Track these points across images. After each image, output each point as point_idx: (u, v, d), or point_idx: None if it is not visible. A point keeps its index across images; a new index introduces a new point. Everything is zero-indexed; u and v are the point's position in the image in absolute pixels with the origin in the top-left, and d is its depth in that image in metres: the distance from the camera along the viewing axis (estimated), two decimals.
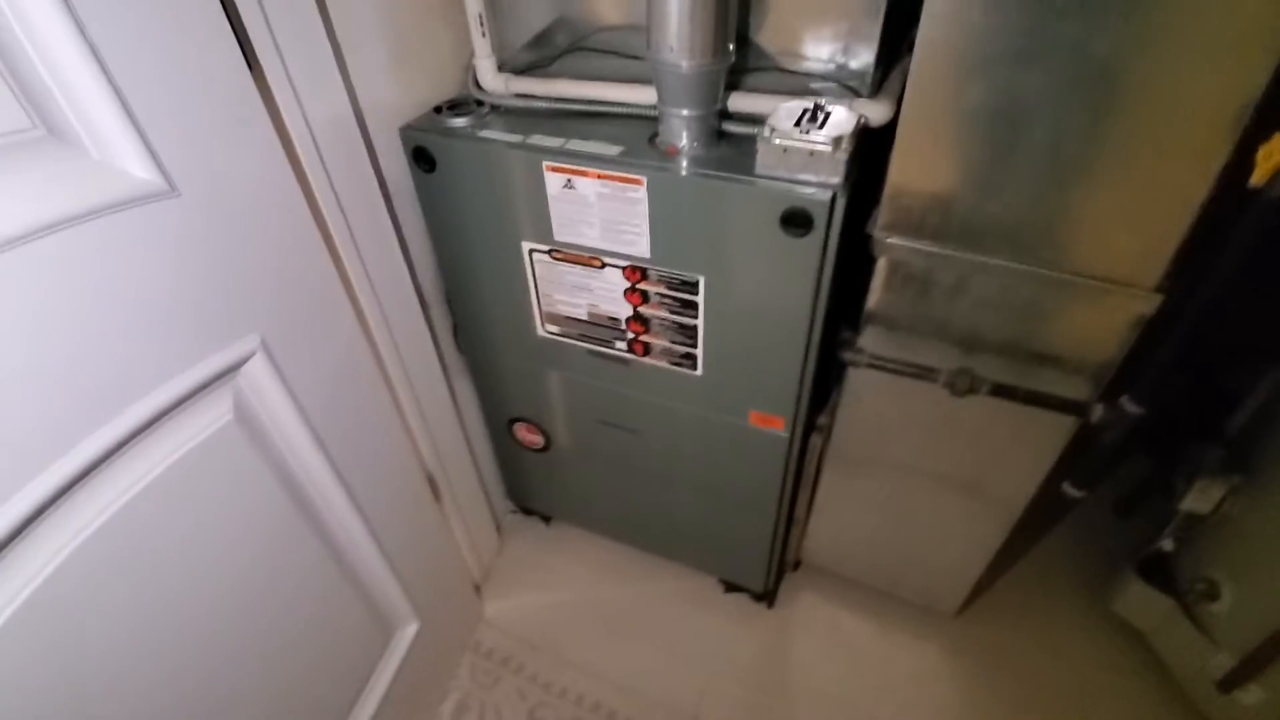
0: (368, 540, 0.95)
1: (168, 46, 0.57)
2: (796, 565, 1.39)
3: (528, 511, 1.53)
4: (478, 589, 1.38)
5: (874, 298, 0.92)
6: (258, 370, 0.71)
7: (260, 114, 0.66)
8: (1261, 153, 0.60)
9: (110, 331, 0.57)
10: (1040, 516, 1.13)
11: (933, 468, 1.06)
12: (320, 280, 0.77)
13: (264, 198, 0.67)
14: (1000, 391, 0.87)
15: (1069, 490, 0.96)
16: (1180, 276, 0.73)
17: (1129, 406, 0.82)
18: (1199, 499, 1.05)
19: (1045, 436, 0.93)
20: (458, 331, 1.18)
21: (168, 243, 0.59)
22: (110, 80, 0.53)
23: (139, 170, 0.56)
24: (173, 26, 0.57)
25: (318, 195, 0.77)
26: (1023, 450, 0.96)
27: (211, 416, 0.68)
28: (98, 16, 0.51)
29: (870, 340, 0.95)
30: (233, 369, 0.69)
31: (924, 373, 0.91)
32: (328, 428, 0.82)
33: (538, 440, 1.28)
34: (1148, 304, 0.76)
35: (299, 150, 0.73)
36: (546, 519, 1.53)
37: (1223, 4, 0.57)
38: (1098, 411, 0.83)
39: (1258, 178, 0.61)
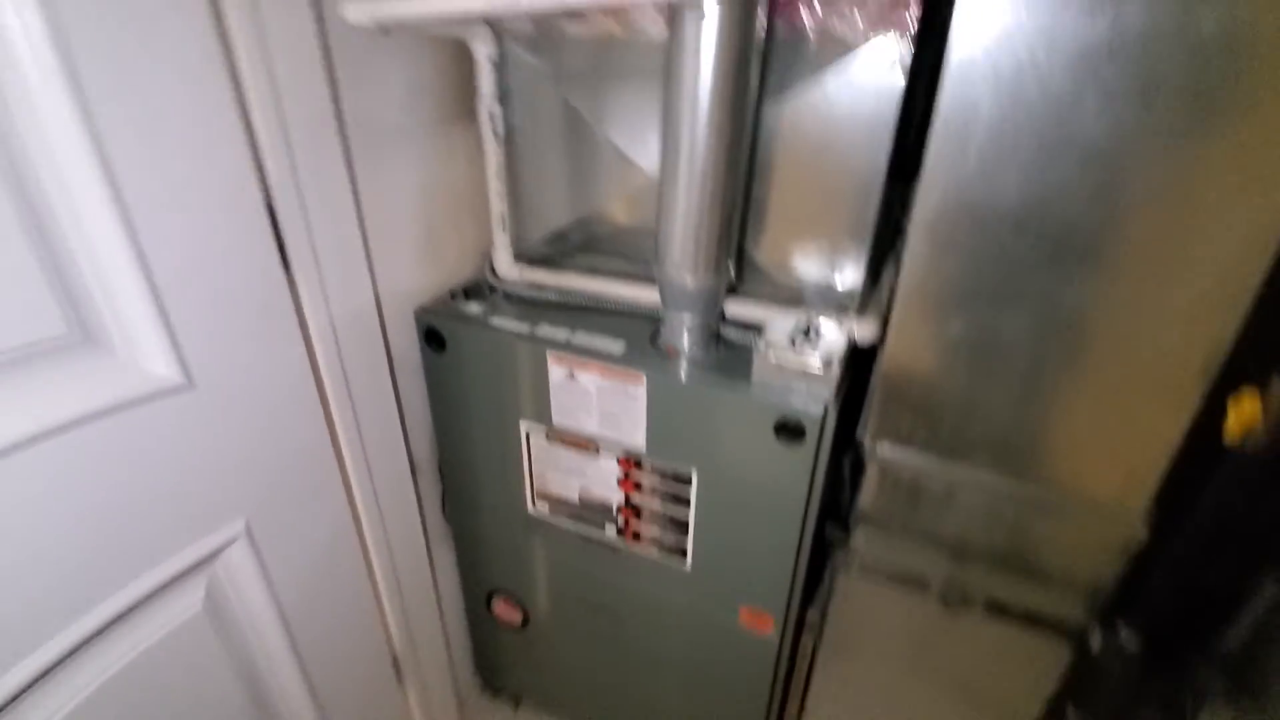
0: None
1: (212, 249, 0.62)
2: None
3: (497, 692, 1.42)
4: None
5: (864, 499, 0.92)
6: (237, 556, 0.69)
7: (287, 311, 0.70)
8: (1232, 406, 0.63)
9: (102, 523, 0.56)
10: None
11: (928, 680, 1.00)
12: (316, 460, 0.78)
13: (276, 388, 0.70)
14: (993, 608, 0.85)
15: (1073, 718, 0.90)
16: (1168, 506, 0.75)
17: (1126, 635, 0.80)
18: None
19: (1044, 658, 0.89)
20: (446, 500, 1.16)
21: (174, 434, 0.60)
22: (153, 286, 0.57)
23: (161, 368, 0.59)
24: (221, 230, 0.62)
25: (327, 380, 0.79)
26: (1022, 670, 0.92)
27: (181, 606, 0.65)
28: (151, 226, 0.56)
29: (861, 540, 0.94)
30: (212, 556, 0.67)
31: (916, 582, 0.89)
32: (299, 613, 0.78)
33: (516, 617, 1.22)
34: (1135, 531, 0.76)
35: (316, 342, 0.77)
36: (516, 701, 1.41)
37: (1183, 265, 0.63)
38: (1095, 639, 0.81)
39: (1229, 429, 0.64)
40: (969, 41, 0.62)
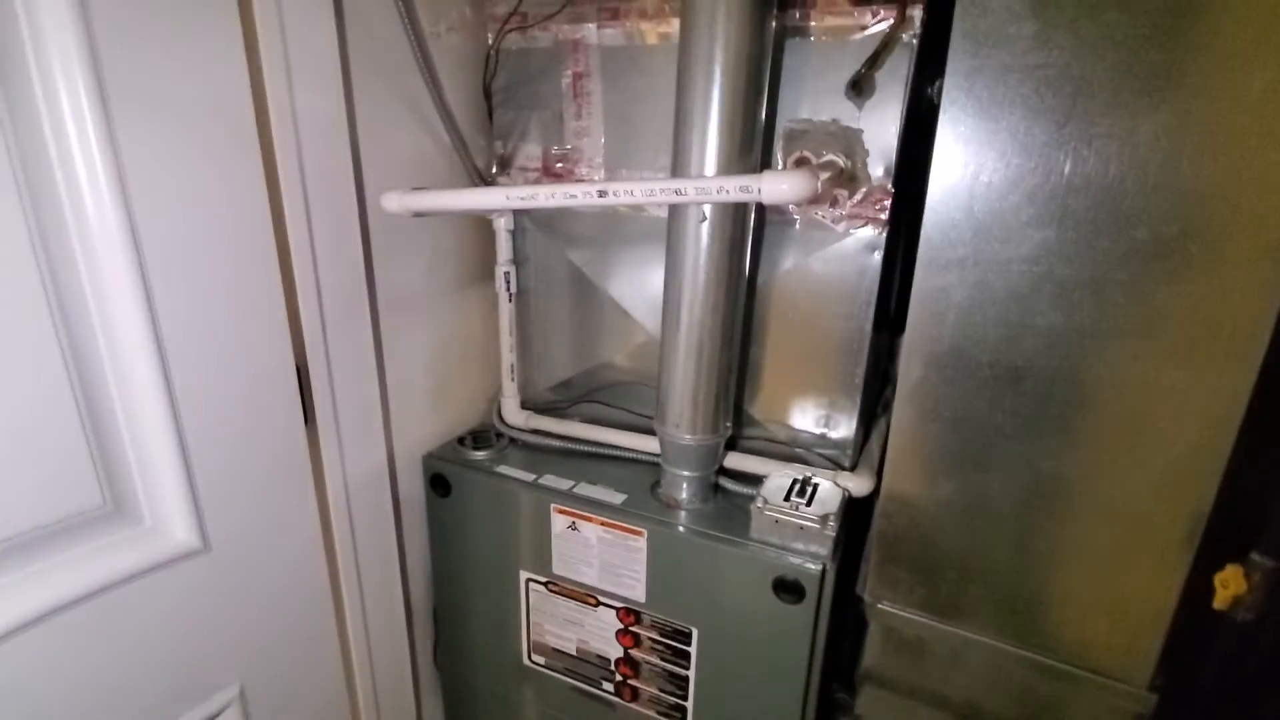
0: None
1: (243, 412, 0.66)
2: None
3: None
4: None
5: (869, 659, 0.90)
6: None
7: (305, 470, 0.73)
8: (1217, 581, 0.65)
9: (98, 698, 0.56)
10: None
11: None
12: (317, 619, 0.78)
13: (287, 548, 0.71)
14: None
15: None
16: (1173, 676, 0.74)
17: None
18: None
19: None
20: (438, 648, 1.13)
21: (184, 600, 0.61)
22: (184, 453, 0.60)
23: (181, 534, 0.61)
24: (254, 395, 0.66)
25: (335, 532, 0.81)
26: None
27: None
28: (191, 397, 0.60)
29: (867, 704, 0.92)
30: None
31: None
32: None
33: None
34: (1142, 703, 0.75)
35: (331, 500, 0.79)
36: None
37: (1150, 440, 0.67)
38: None
39: (1219, 604, 0.65)
40: (938, 240, 0.70)
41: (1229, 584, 0.64)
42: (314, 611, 0.77)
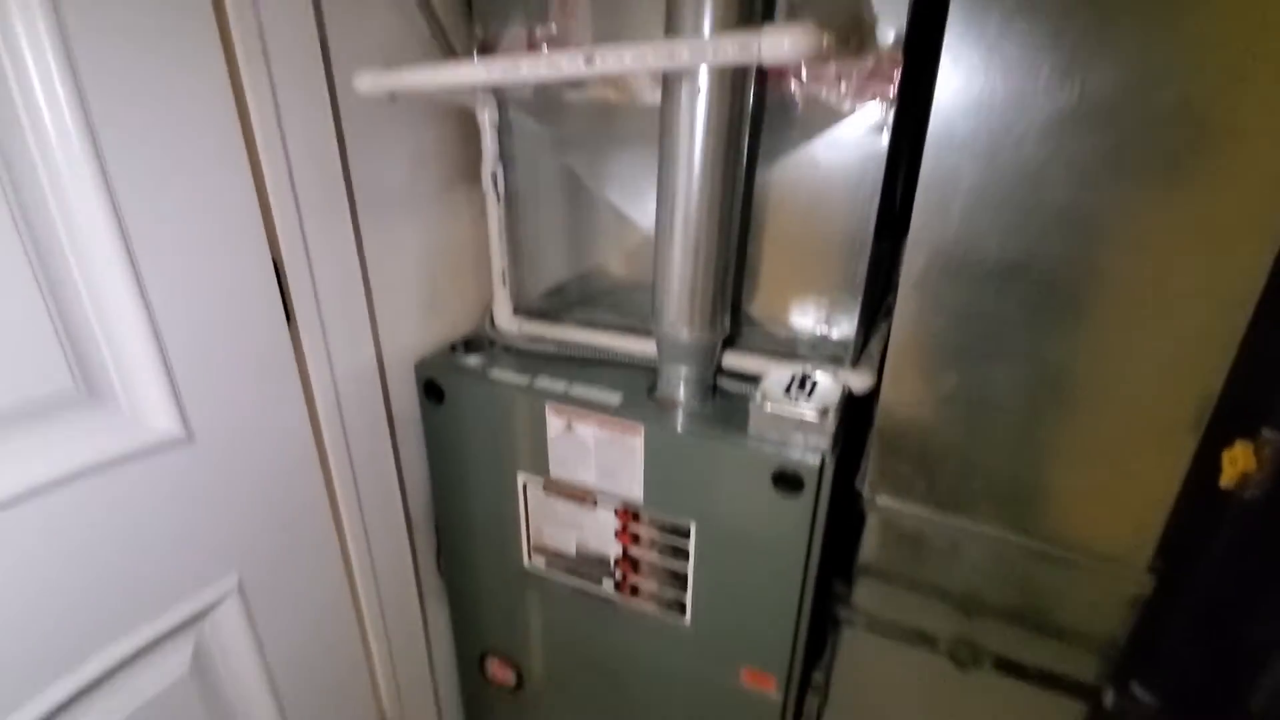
0: None
1: (218, 303, 0.63)
2: None
3: None
4: None
5: (867, 552, 0.91)
6: (228, 614, 0.68)
7: (289, 366, 0.71)
8: (1226, 458, 0.64)
9: (93, 579, 0.55)
10: None
11: None
12: (312, 516, 0.77)
13: (275, 443, 0.70)
14: (1004, 666, 0.83)
15: None
16: (1173, 558, 0.74)
17: (1141, 694, 0.77)
18: None
19: (1059, 717, 0.86)
20: (440, 555, 1.14)
21: (171, 489, 0.60)
22: (158, 339, 0.58)
23: (163, 421, 0.59)
24: (228, 291, 0.64)
25: (326, 434, 0.80)
26: None
27: (168, 668, 0.64)
28: (160, 280, 0.57)
29: (865, 596, 0.93)
30: (203, 613, 0.66)
31: (923, 639, 0.87)
32: (287, 671, 0.76)
33: (510, 678, 1.18)
34: (1141, 584, 0.75)
35: (318, 397, 0.77)
36: None
37: (1160, 327, 0.65)
38: (1109, 697, 0.79)
39: (1226, 481, 0.64)
40: (947, 111, 0.65)
41: (1238, 461, 0.62)
42: (310, 511, 0.77)
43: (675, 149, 0.74)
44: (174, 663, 0.64)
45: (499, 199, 0.98)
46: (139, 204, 0.55)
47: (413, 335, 0.97)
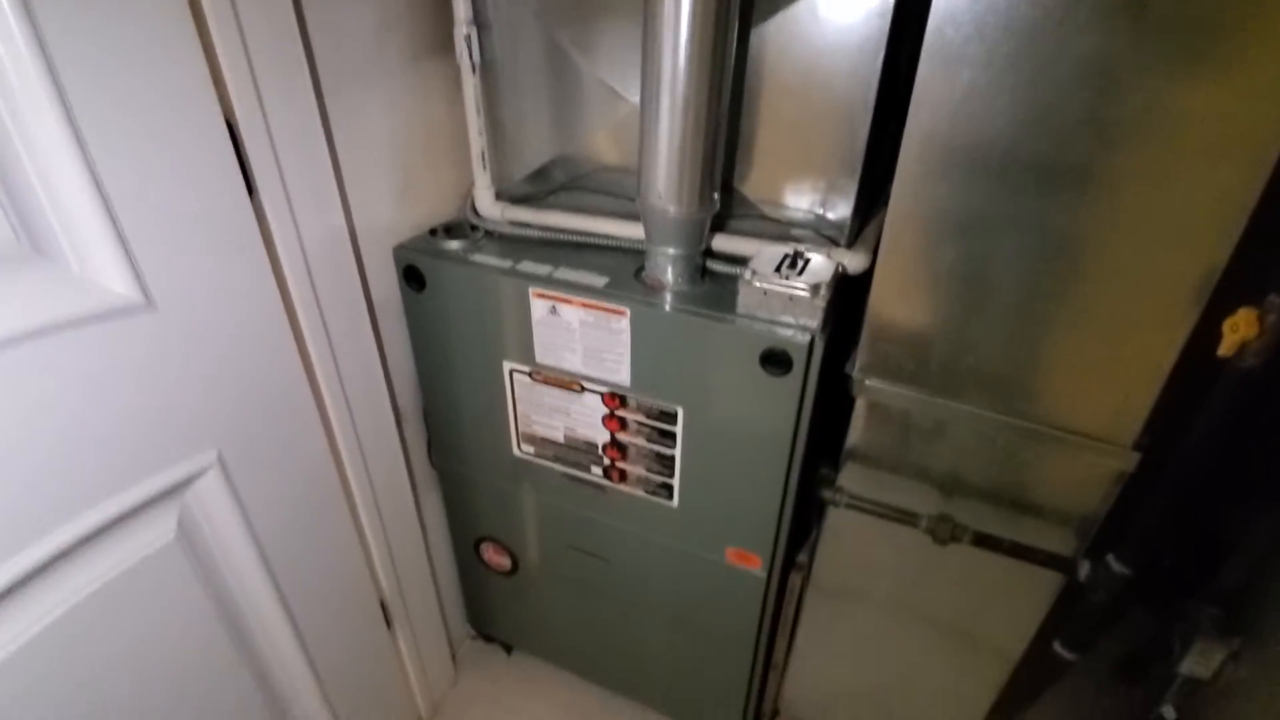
0: (305, 672, 0.88)
1: (169, 169, 0.59)
2: (774, 716, 1.29)
3: (489, 639, 1.43)
4: None
5: (854, 436, 0.91)
6: (210, 486, 0.68)
7: (253, 236, 0.67)
8: (1226, 326, 0.62)
9: (60, 443, 0.54)
10: (1034, 679, 1.06)
11: (917, 615, 1.01)
12: (291, 396, 0.76)
13: (243, 315, 0.67)
14: (983, 542, 0.85)
15: (1060, 651, 0.90)
16: (1159, 434, 0.74)
17: (1116, 566, 0.79)
18: (1198, 662, 0.99)
19: (1033, 590, 0.89)
20: (432, 446, 1.15)
21: (136, 357, 0.58)
22: (104, 198, 0.54)
23: (119, 286, 0.56)
24: (176, 151, 0.59)
25: (300, 312, 0.77)
26: (1010, 604, 0.92)
27: (153, 535, 0.64)
28: (102, 137, 0.53)
29: (850, 478, 0.94)
30: (183, 484, 0.66)
31: (905, 517, 0.88)
32: (279, 549, 0.77)
33: (505, 563, 1.22)
34: (1126, 461, 0.75)
35: (287, 270, 0.74)
36: (508, 649, 1.42)
37: (1173, 191, 0.61)
38: (1084, 569, 0.81)
39: (1224, 350, 0.62)
40: None
41: (1239, 327, 0.60)
42: (288, 389, 0.75)
43: (661, 4, 0.68)
44: (159, 530, 0.64)
45: (474, 68, 0.91)
46: (70, 50, 0.49)
47: (388, 215, 0.93)
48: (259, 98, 0.68)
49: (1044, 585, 0.87)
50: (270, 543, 0.76)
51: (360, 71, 0.83)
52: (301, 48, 0.72)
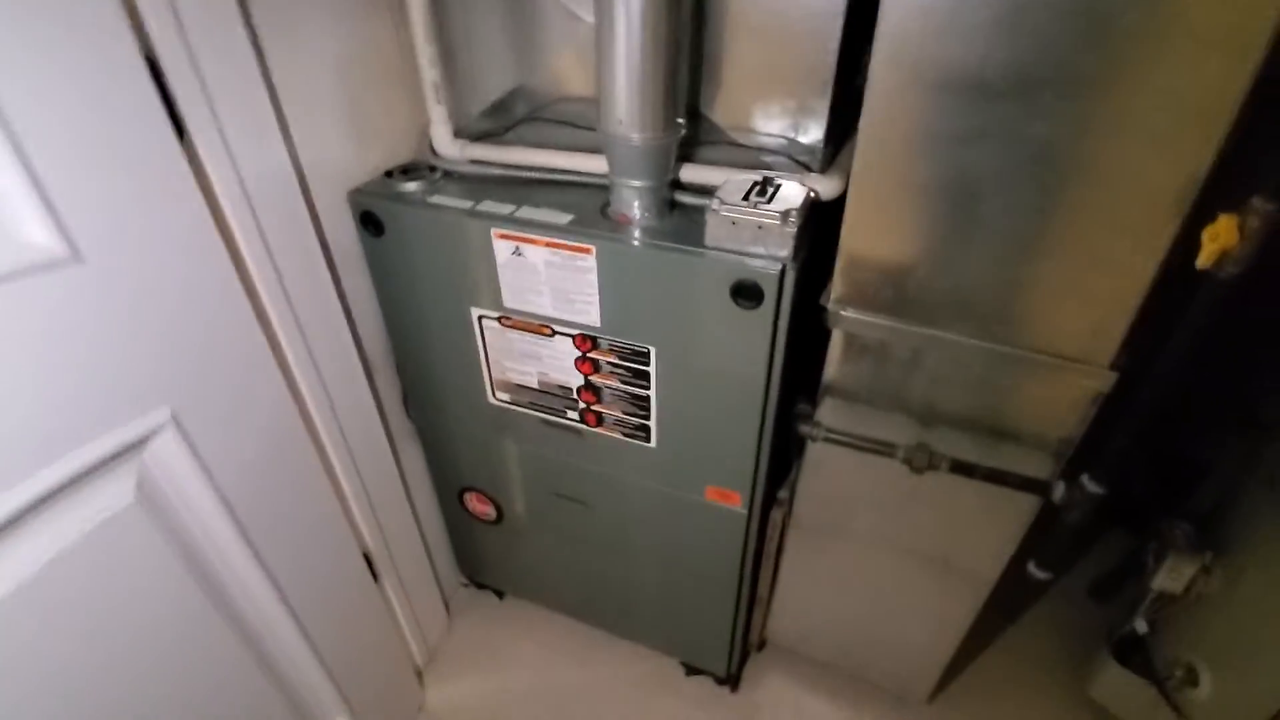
0: (292, 629, 0.88)
1: (87, 113, 0.55)
2: (762, 646, 1.32)
3: (480, 586, 1.45)
4: (420, 674, 1.28)
5: (830, 370, 0.90)
6: (167, 446, 0.66)
7: (185, 180, 0.63)
8: (1206, 234, 0.60)
9: None
10: (1012, 598, 1.09)
11: (897, 544, 1.02)
12: (246, 349, 0.73)
13: (183, 264, 0.64)
14: (959, 469, 0.85)
15: (1034, 572, 0.92)
16: (1135, 353, 0.72)
17: (1090, 486, 0.79)
18: (1170, 578, 1.02)
19: (1008, 514, 0.90)
20: (407, 399, 1.13)
21: (66, 313, 0.55)
22: (16, 145, 0.50)
23: (39, 237, 0.53)
24: (93, 93, 0.55)
25: (249, 259, 0.74)
26: (987, 527, 0.93)
27: (109, 499, 0.62)
28: (8, 78, 0.49)
29: (828, 413, 0.93)
30: (136, 445, 0.64)
31: (882, 448, 0.88)
32: (249, 508, 0.76)
33: (489, 511, 1.22)
34: (1103, 381, 0.74)
35: (230, 216, 0.70)
36: (500, 594, 1.44)
37: (1159, 89, 0.58)
38: (1059, 490, 0.81)
39: (1203, 260, 0.60)
40: None
41: (1219, 236, 0.58)
42: (242, 342, 0.72)
43: None
44: (117, 491, 0.62)
45: None
46: None
47: (339, 153, 0.88)
48: (180, 28, 0.62)
49: (1020, 508, 0.88)
50: (239, 500, 0.74)
51: None
52: None
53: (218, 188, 0.69)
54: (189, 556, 0.71)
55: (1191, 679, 1.04)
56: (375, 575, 1.09)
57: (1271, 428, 1.02)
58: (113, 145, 0.57)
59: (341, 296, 0.92)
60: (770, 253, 0.74)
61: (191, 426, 0.67)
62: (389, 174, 0.92)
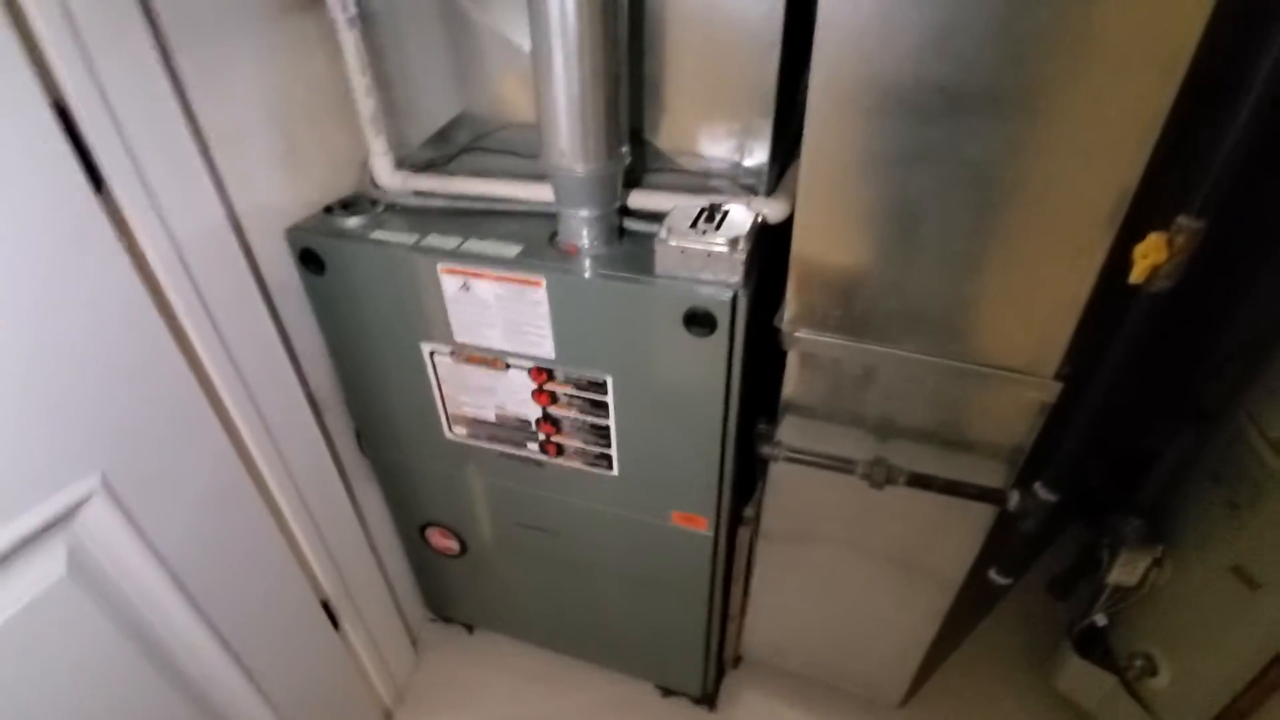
0: (247, 688, 0.84)
1: None
2: (736, 662, 1.32)
3: (449, 620, 1.42)
4: (389, 715, 1.24)
5: (788, 389, 0.90)
6: (98, 514, 0.62)
7: (104, 234, 0.60)
8: (1137, 252, 0.61)
9: None
10: (974, 602, 1.11)
11: (863, 553, 1.03)
12: (180, 403, 0.70)
13: (107, 323, 0.61)
14: (917, 481, 0.86)
15: (996, 578, 0.93)
16: (1078, 363, 0.74)
17: (1043, 493, 0.81)
18: (1124, 571, 1.05)
19: (968, 522, 0.91)
20: (361, 437, 1.10)
21: None
22: None
23: None
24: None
25: (181, 312, 0.70)
26: (948, 537, 0.94)
27: (38, 575, 0.59)
28: None
29: (788, 432, 0.93)
30: (65, 516, 0.60)
31: (842, 465, 0.89)
32: (193, 569, 0.72)
33: (453, 546, 1.19)
34: (1048, 392, 0.76)
35: (157, 268, 0.67)
36: (469, 628, 1.41)
37: (1085, 108, 0.59)
38: (1014, 499, 0.82)
39: (1136, 276, 0.62)
40: None
41: (1149, 253, 0.60)
42: (177, 396, 0.69)
43: None
44: (45, 568, 0.59)
45: (351, 25, 0.82)
46: None
47: (275, 192, 0.85)
48: (90, 68, 0.59)
49: (978, 517, 0.89)
50: (181, 564, 0.71)
51: (213, 26, 0.73)
52: (139, 11, 0.63)
53: (141, 238, 0.65)
54: (130, 625, 0.68)
55: (1150, 669, 1.07)
56: (335, 622, 1.06)
57: (1215, 417, 1.05)
58: (20, 199, 0.54)
59: (284, 337, 0.89)
60: (720, 279, 0.73)
61: (124, 491, 0.64)
62: (329, 209, 0.89)
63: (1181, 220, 0.59)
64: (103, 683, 0.66)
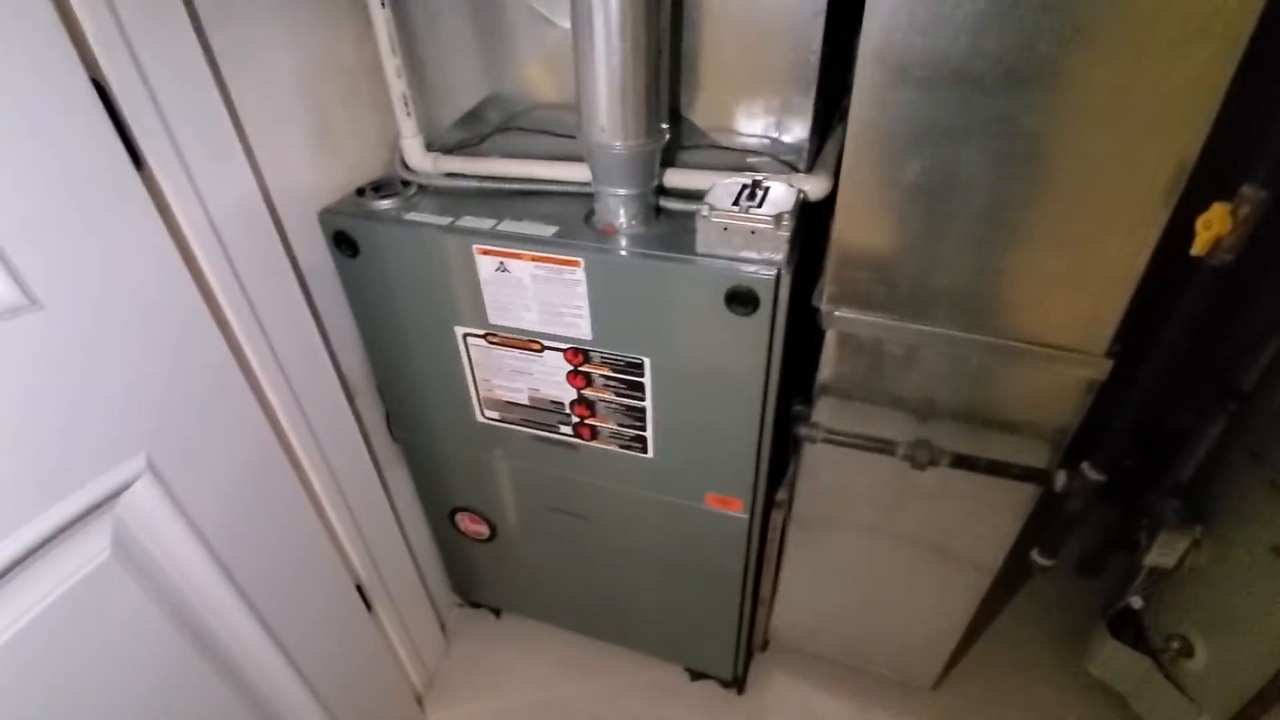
0: (285, 668, 0.84)
1: (29, 141, 0.50)
2: (765, 646, 1.32)
3: (476, 605, 1.42)
4: (420, 700, 1.25)
5: (825, 370, 0.89)
6: (143, 496, 0.62)
7: (147, 215, 0.59)
8: (1200, 223, 0.60)
9: None
10: (1005, 581, 1.10)
11: (898, 537, 1.02)
12: (221, 384, 0.69)
13: (150, 303, 0.60)
14: (961, 463, 0.85)
15: (1038, 560, 0.92)
16: (1129, 341, 0.73)
17: (1091, 474, 0.80)
18: (1163, 553, 1.04)
19: (1009, 504, 0.90)
20: (391, 420, 1.09)
21: (24, 362, 0.51)
22: None
23: None
24: (37, 119, 0.51)
25: (219, 292, 0.70)
26: (988, 519, 0.93)
27: (82, 559, 0.58)
28: None
29: (824, 413, 0.92)
30: (109, 499, 0.60)
31: (882, 446, 0.87)
32: (232, 550, 0.72)
33: (482, 530, 1.19)
34: (1098, 369, 0.74)
35: (196, 248, 0.66)
36: (497, 612, 1.41)
37: (1147, 80, 0.58)
38: (1060, 479, 0.81)
39: (1198, 247, 0.60)
40: None
41: (1212, 224, 0.59)
42: (217, 378, 0.69)
43: None
44: (90, 551, 0.58)
45: (383, 3, 0.81)
46: None
47: (307, 173, 0.84)
48: (129, 47, 0.58)
49: (1020, 498, 0.88)
50: (222, 545, 0.71)
51: (247, 9, 0.73)
52: None
53: (181, 217, 0.65)
54: (172, 605, 0.68)
55: (1187, 650, 1.06)
56: (369, 605, 1.06)
57: (1250, 395, 1.04)
58: (64, 178, 0.53)
59: (317, 320, 0.88)
60: (764, 257, 0.72)
61: (167, 472, 0.64)
62: (360, 191, 0.88)
63: (1246, 190, 0.58)
64: (146, 663, 0.66)
